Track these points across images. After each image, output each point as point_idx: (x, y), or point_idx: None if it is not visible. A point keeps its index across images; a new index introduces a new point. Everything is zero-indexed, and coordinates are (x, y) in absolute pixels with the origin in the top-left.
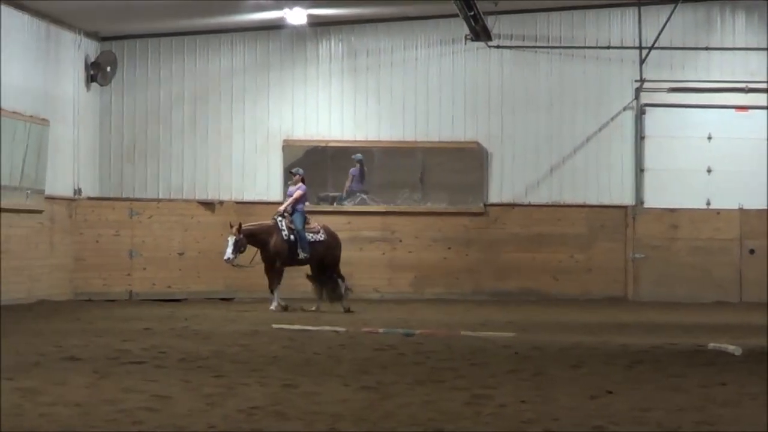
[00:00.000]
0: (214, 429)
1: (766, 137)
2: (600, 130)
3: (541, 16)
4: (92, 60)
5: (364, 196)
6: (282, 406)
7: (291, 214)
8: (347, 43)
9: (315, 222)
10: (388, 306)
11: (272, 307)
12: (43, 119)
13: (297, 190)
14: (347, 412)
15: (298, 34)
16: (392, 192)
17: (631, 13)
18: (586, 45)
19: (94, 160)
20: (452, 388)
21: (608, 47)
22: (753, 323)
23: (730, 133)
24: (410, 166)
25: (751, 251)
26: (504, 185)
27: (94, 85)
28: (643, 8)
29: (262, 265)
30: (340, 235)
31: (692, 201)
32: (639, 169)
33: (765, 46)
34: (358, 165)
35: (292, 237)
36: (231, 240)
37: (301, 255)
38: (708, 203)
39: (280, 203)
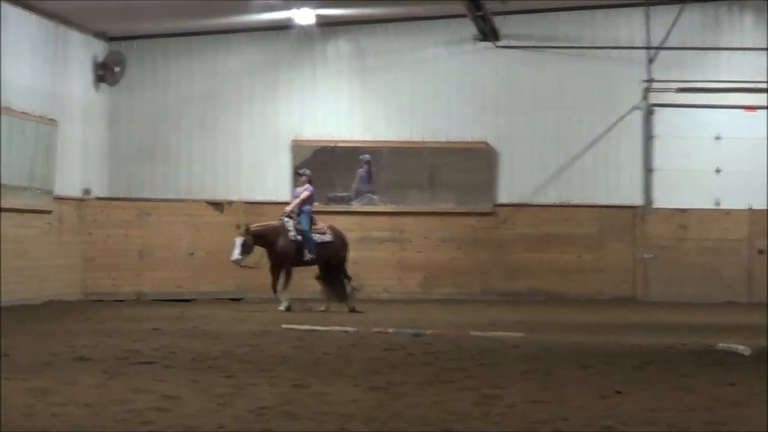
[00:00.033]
0: (224, 429)
1: (766, 137)
2: (608, 130)
3: (550, 17)
4: (100, 60)
5: (373, 197)
6: (292, 406)
7: (298, 215)
8: (355, 44)
9: (321, 222)
10: (398, 306)
11: (281, 307)
12: (51, 119)
13: (304, 191)
14: (357, 412)
15: (306, 35)
16: (401, 192)
17: (639, 13)
18: (595, 45)
19: (103, 161)
20: (461, 389)
21: (616, 47)
22: (762, 323)
23: (739, 133)
24: (419, 167)
25: (761, 251)
26: (513, 185)
27: (102, 85)
28: (651, 8)
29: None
30: (350, 236)
31: (701, 201)
32: (648, 170)
33: (765, 46)
34: (365, 166)
35: (299, 238)
36: (238, 241)
37: (307, 256)
38: (717, 203)
39: (289, 203)
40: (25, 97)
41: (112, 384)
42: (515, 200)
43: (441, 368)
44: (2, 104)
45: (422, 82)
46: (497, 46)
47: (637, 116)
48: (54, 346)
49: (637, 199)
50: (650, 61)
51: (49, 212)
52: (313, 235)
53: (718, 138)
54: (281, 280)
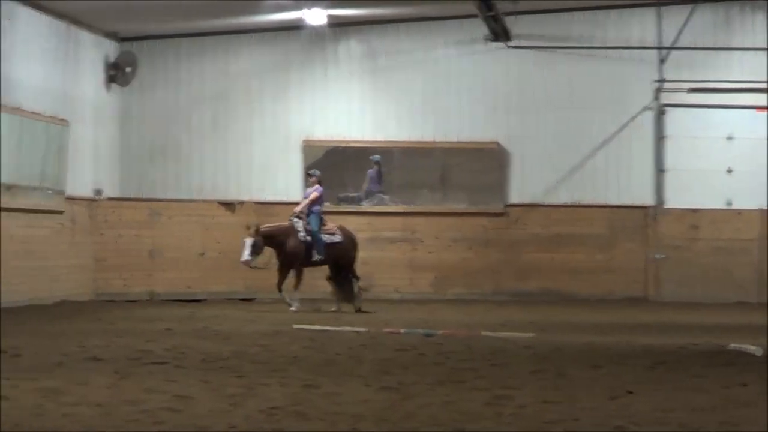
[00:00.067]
0: (235, 429)
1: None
2: (620, 130)
3: (561, 17)
4: (112, 60)
5: (383, 197)
6: (303, 406)
7: (307, 216)
8: (367, 44)
9: (331, 223)
10: (409, 306)
11: (293, 308)
12: (63, 120)
13: (313, 192)
14: (368, 413)
15: (317, 35)
16: (412, 192)
17: (650, 13)
18: (606, 45)
19: (114, 161)
20: (473, 389)
21: (628, 47)
22: None
23: (750, 133)
24: (430, 167)
25: None
26: (524, 186)
27: (113, 85)
28: (662, 8)
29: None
30: (361, 236)
31: (713, 201)
32: (659, 170)
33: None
34: (375, 166)
35: (308, 238)
36: (248, 242)
37: (316, 257)
38: (729, 204)
39: (299, 204)
40: (37, 97)
41: (124, 384)
42: (526, 200)
43: (452, 368)
44: (13, 105)
45: (433, 83)
46: (508, 47)
47: (649, 116)
48: (65, 346)
49: (648, 200)
50: (662, 61)
51: (60, 212)
52: (322, 235)
53: (729, 138)
54: (292, 281)
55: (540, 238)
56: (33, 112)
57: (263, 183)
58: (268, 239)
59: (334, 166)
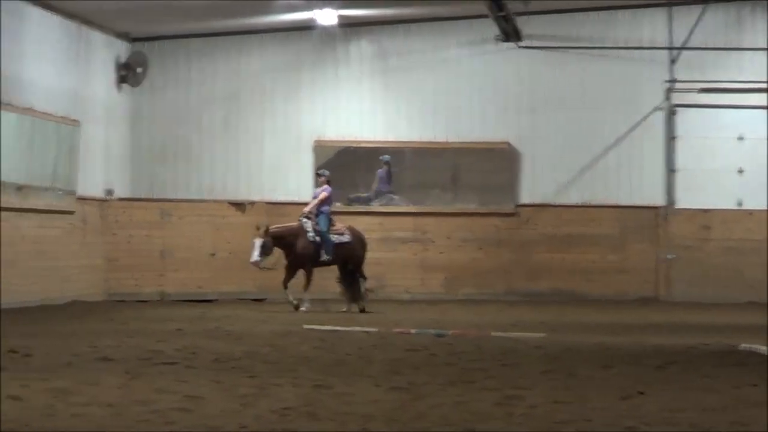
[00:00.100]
0: (246, 429)
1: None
2: (631, 130)
3: (572, 17)
4: (123, 61)
5: (393, 197)
6: (314, 406)
7: (316, 216)
8: (378, 44)
9: (340, 223)
10: (420, 306)
11: (304, 308)
12: (74, 120)
13: (322, 192)
14: (379, 413)
15: (328, 35)
16: (423, 193)
17: (661, 13)
18: (617, 45)
19: (126, 161)
20: (483, 389)
21: (639, 48)
22: None
23: (761, 133)
24: (441, 167)
25: None
26: (535, 186)
27: (125, 86)
28: (673, 8)
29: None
30: (372, 236)
31: (724, 201)
32: (670, 170)
33: None
34: (385, 166)
35: (317, 238)
36: (258, 243)
37: (324, 257)
38: (740, 204)
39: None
40: (48, 97)
41: (135, 384)
42: (537, 200)
43: (463, 369)
44: (24, 105)
45: (444, 83)
46: (519, 47)
47: (660, 116)
48: (76, 347)
49: (659, 200)
50: (673, 61)
51: (71, 213)
52: (331, 235)
53: (740, 138)
54: (302, 282)
55: (551, 238)
56: (44, 113)
57: (274, 183)
58: (278, 240)
59: (345, 166)
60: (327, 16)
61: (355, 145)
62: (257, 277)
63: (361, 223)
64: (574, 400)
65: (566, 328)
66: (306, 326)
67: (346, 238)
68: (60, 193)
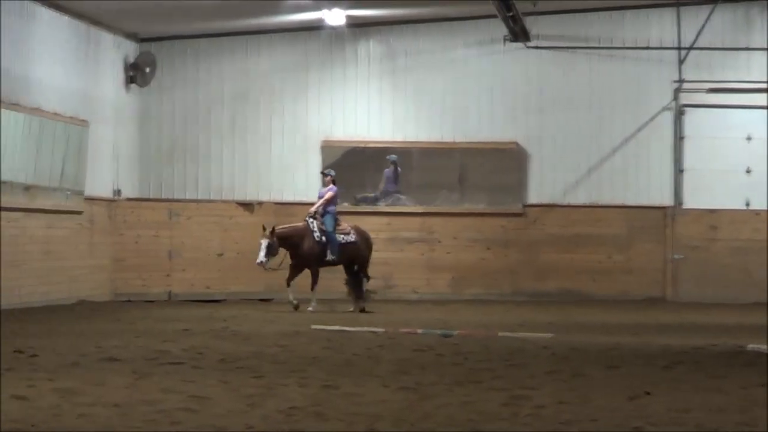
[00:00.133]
0: (252, 429)
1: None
2: (639, 130)
3: (580, 17)
4: (131, 61)
5: (401, 197)
6: (321, 406)
7: (322, 216)
8: (386, 44)
9: (345, 223)
10: (427, 306)
11: (310, 308)
12: (83, 120)
13: (328, 192)
14: (386, 413)
15: (337, 35)
16: (431, 193)
17: (670, 13)
18: (625, 45)
19: (134, 162)
20: (490, 389)
21: (647, 48)
22: None
23: None
24: (449, 167)
25: None
26: (543, 186)
27: (133, 86)
28: (682, 8)
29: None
30: (379, 236)
31: (731, 202)
32: (678, 170)
33: None
34: (392, 166)
35: (323, 238)
36: (264, 243)
37: (330, 257)
38: (747, 204)
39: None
40: (56, 97)
41: (141, 384)
42: (545, 201)
43: (470, 369)
44: (33, 105)
45: (453, 83)
46: (528, 47)
47: (668, 117)
48: (83, 347)
49: (667, 200)
50: (681, 61)
51: (79, 213)
52: (336, 235)
53: (748, 138)
54: (301, 282)
55: (558, 238)
56: (53, 113)
57: (282, 183)
58: (284, 240)
59: (353, 166)
60: (335, 17)
61: (362, 145)
62: (265, 277)
63: (368, 223)
64: (580, 400)
65: (573, 328)
66: (313, 326)
67: (351, 237)
68: (68, 193)
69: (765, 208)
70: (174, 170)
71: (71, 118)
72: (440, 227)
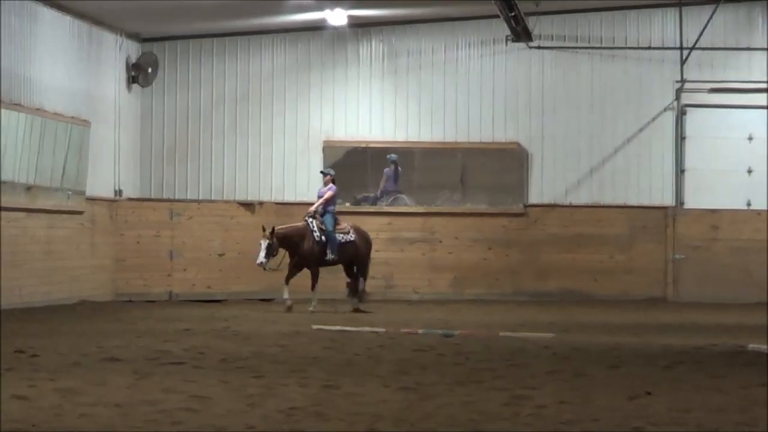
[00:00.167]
0: (253, 429)
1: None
2: (640, 130)
3: (582, 17)
4: (133, 61)
5: (403, 196)
6: (322, 406)
7: (322, 215)
8: (388, 44)
9: (345, 222)
10: (428, 306)
11: (311, 308)
12: (84, 120)
13: (328, 191)
14: (387, 413)
15: (338, 35)
16: (432, 193)
17: (672, 13)
18: (627, 45)
19: (135, 161)
20: (491, 389)
21: (649, 48)
22: None
23: None
24: (450, 167)
25: None
26: (544, 186)
27: (135, 86)
28: (684, 8)
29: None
30: (381, 236)
31: (733, 202)
32: (679, 170)
33: None
34: (392, 165)
35: (323, 238)
36: (264, 244)
37: (329, 256)
38: (749, 204)
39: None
40: (58, 98)
41: (142, 384)
42: (546, 201)
43: (471, 369)
44: (35, 106)
45: (454, 83)
46: (530, 47)
47: (670, 117)
48: (84, 347)
49: (668, 200)
50: (683, 61)
51: (81, 213)
52: (336, 234)
53: (750, 138)
54: (301, 282)
55: (560, 238)
56: (54, 113)
57: (284, 183)
58: (284, 240)
59: (354, 166)
60: (337, 17)
61: (364, 145)
62: (266, 277)
63: (369, 223)
64: (582, 400)
65: (574, 328)
66: (314, 326)
67: (351, 237)
68: (69, 193)
69: (766, 208)
70: (175, 170)
71: (73, 118)
72: (441, 227)
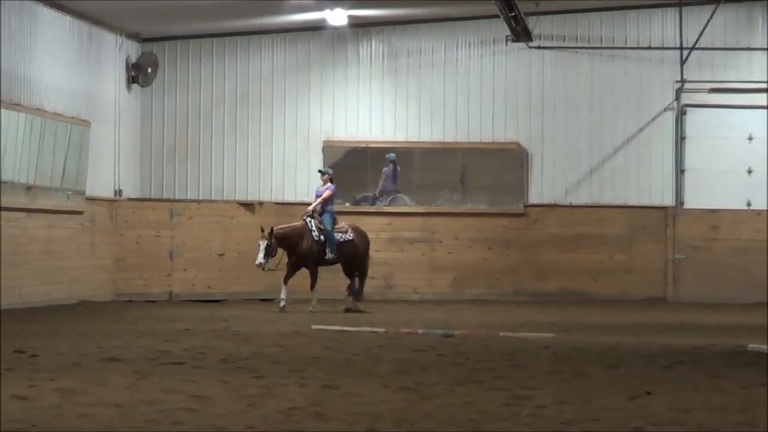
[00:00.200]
0: (253, 429)
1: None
2: (640, 130)
3: (582, 17)
4: (133, 61)
5: (402, 196)
6: (321, 406)
7: (320, 215)
8: (388, 44)
9: (343, 221)
10: (428, 307)
11: (310, 307)
12: (84, 120)
13: (326, 190)
14: (386, 413)
15: (338, 35)
16: (432, 193)
17: (672, 13)
18: (627, 45)
19: (135, 161)
20: (491, 389)
21: (649, 48)
22: None
23: None
24: (450, 167)
25: None
26: (544, 186)
27: (135, 86)
28: (684, 8)
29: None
30: (380, 236)
31: (733, 202)
32: (679, 170)
33: None
34: (391, 165)
35: (321, 237)
36: (262, 245)
37: (329, 255)
38: (748, 204)
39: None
40: (58, 98)
41: (142, 384)
42: (546, 201)
43: (471, 369)
44: (35, 106)
45: (454, 83)
46: (530, 47)
47: (670, 117)
48: (84, 347)
49: (668, 200)
50: (683, 61)
51: (81, 213)
52: (334, 234)
53: (750, 138)
54: (302, 282)
55: (560, 238)
56: (54, 113)
57: (284, 183)
58: (283, 240)
59: (354, 166)
60: (337, 17)
61: (364, 145)
62: (266, 277)
63: (369, 224)
64: (582, 400)
65: (574, 328)
66: (314, 326)
67: (349, 236)
68: (69, 193)
69: (766, 208)
70: (175, 170)
71: (73, 118)
72: (441, 227)
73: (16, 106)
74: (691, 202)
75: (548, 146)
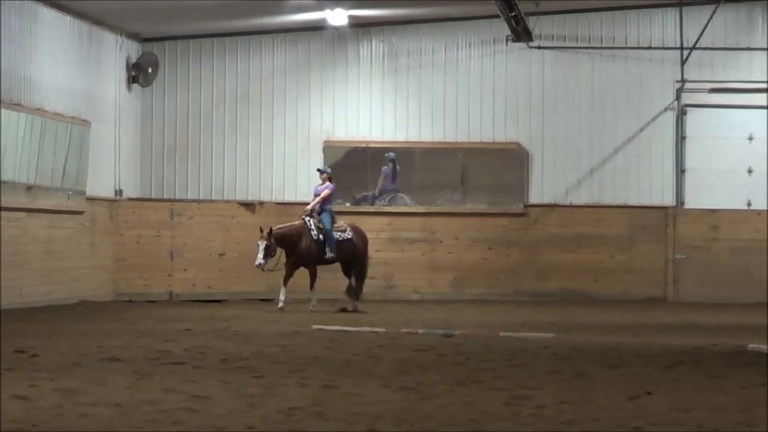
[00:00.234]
0: (253, 429)
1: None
2: (641, 130)
3: (582, 17)
4: (134, 61)
5: (402, 195)
6: (322, 406)
7: (319, 214)
8: (388, 44)
9: (342, 220)
10: (428, 306)
11: (310, 307)
12: (85, 120)
13: (325, 189)
14: (387, 413)
15: (339, 35)
16: (433, 193)
17: (672, 13)
18: (628, 45)
19: (135, 161)
20: (492, 389)
21: (649, 48)
22: None
23: None
24: (451, 167)
25: None
26: (544, 186)
27: (135, 86)
28: (684, 8)
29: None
30: (381, 236)
31: (733, 202)
32: (680, 170)
33: None
34: (390, 164)
35: (320, 237)
36: (262, 245)
37: (329, 254)
38: (749, 204)
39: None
40: (59, 98)
41: (143, 384)
42: (547, 201)
43: (471, 369)
44: (35, 106)
45: (454, 83)
46: (530, 47)
47: (670, 116)
48: (84, 347)
49: (668, 200)
50: (683, 61)
51: (81, 213)
52: (333, 233)
53: (750, 138)
54: (301, 282)
55: (560, 238)
56: (55, 113)
57: (284, 183)
58: (282, 239)
59: (354, 166)
60: (337, 17)
61: (364, 145)
62: (266, 277)
63: (369, 223)
64: (582, 400)
65: (575, 328)
66: (315, 326)
67: (347, 235)
68: (69, 193)
69: (766, 208)
70: (176, 170)
71: (73, 118)
72: (442, 227)
73: (17, 106)
74: (692, 202)
75: (548, 146)
